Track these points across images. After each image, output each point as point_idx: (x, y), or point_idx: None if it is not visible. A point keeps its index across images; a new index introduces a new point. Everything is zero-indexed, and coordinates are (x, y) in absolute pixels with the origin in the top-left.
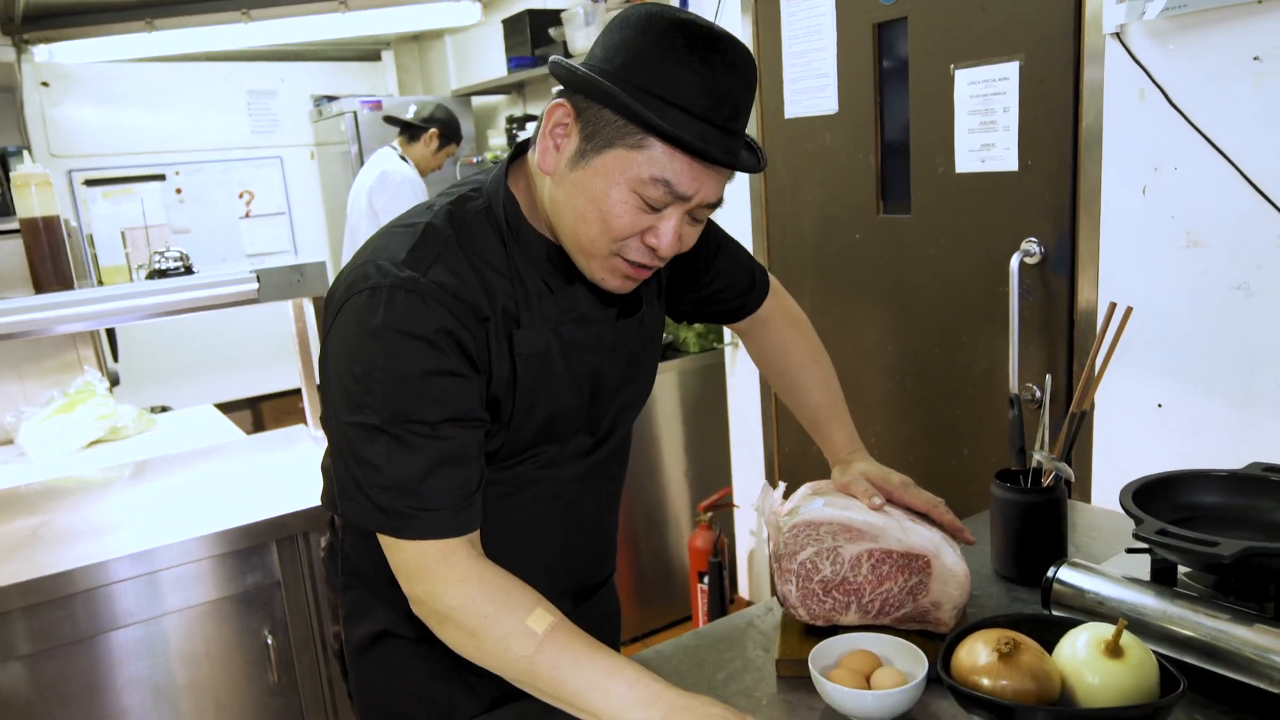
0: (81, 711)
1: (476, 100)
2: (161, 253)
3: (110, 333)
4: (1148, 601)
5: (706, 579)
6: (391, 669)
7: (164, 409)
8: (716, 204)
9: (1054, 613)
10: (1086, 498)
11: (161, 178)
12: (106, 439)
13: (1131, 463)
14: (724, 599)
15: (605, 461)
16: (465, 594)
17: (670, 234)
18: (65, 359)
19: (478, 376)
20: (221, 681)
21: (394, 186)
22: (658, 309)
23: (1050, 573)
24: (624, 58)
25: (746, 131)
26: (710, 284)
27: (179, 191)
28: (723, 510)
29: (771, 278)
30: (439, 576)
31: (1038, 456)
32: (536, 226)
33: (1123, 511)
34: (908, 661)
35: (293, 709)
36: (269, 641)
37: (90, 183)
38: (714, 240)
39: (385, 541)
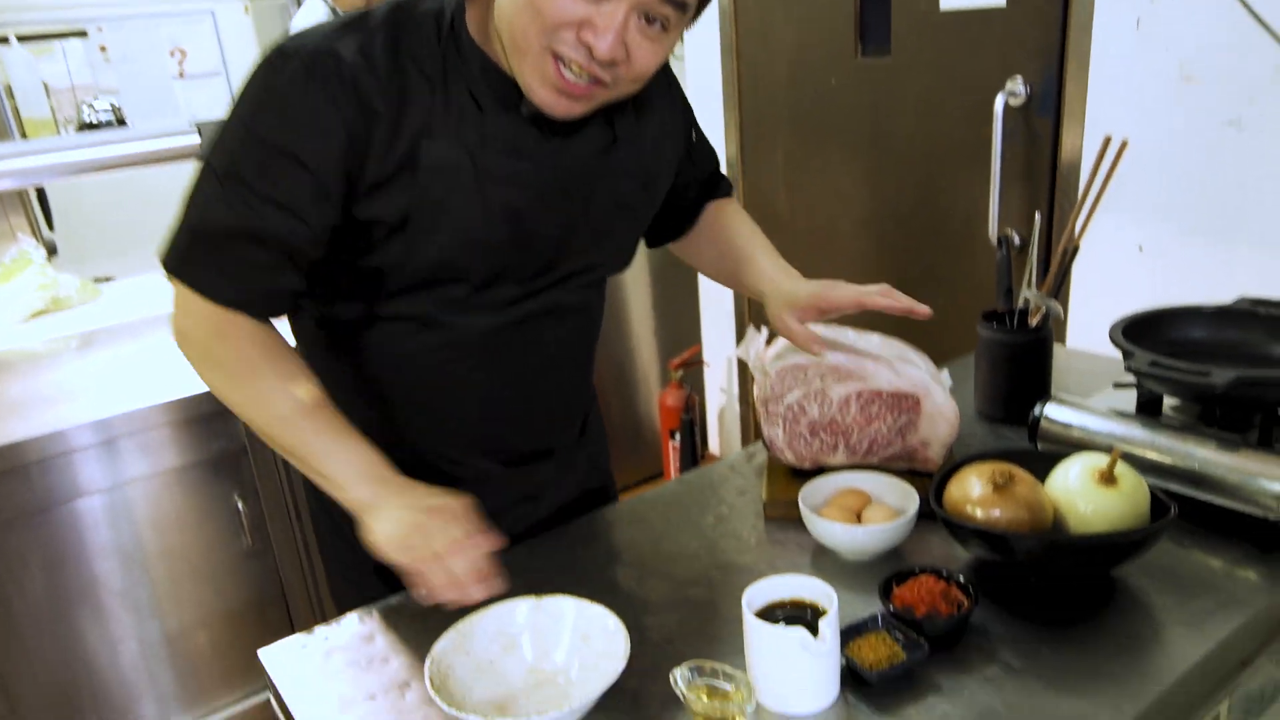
0: (55, 579)
1: None
2: (90, 104)
3: (42, 199)
4: (1135, 433)
5: (678, 436)
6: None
7: (107, 279)
8: (671, 3)
9: (1041, 448)
10: (1062, 340)
11: (83, 34)
12: (49, 310)
13: (1110, 306)
14: (695, 456)
15: (541, 322)
16: (240, 355)
17: (611, 33)
18: None
19: (333, 176)
20: (194, 548)
21: None
22: (634, 169)
23: (1037, 410)
24: None
25: None
26: (682, 174)
27: (104, 49)
28: (693, 368)
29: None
30: (212, 335)
31: (1026, 294)
32: (484, 48)
33: (1100, 354)
34: (898, 497)
35: (269, 571)
36: (240, 506)
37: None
38: (692, 129)
39: (175, 290)
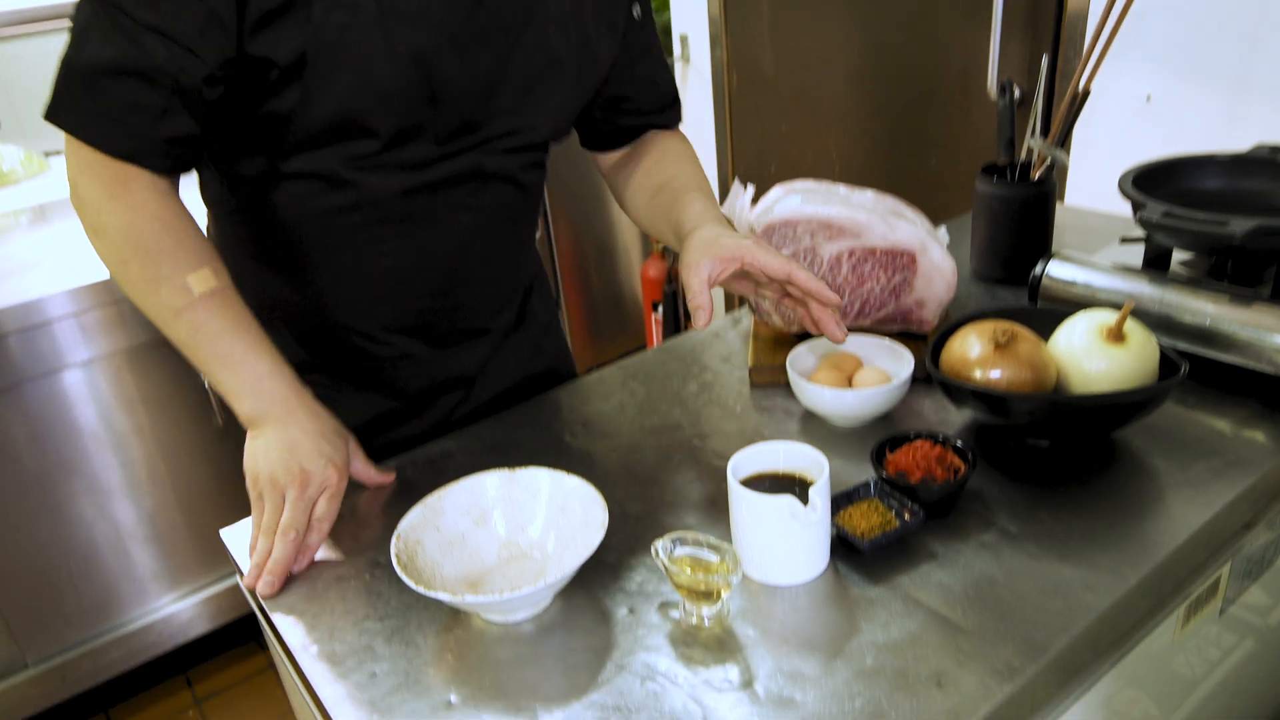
0: (28, 458)
1: None
2: None
3: None
4: (1143, 289)
5: (660, 308)
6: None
7: (56, 153)
8: None
9: (1042, 307)
10: (1061, 199)
11: None
12: None
13: (1114, 161)
14: (679, 328)
15: (462, 188)
16: (131, 223)
17: None
18: None
19: (222, 4)
20: (164, 428)
21: None
22: (568, 21)
23: (1039, 267)
24: None
25: None
26: (622, 85)
27: None
28: None
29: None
30: (104, 194)
31: (1030, 143)
32: None
33: (1103, 210)
34: (891, 360)
35: (239, 451)
36: (208, 385)
37: None
38: (645, 35)
39: (66, 142)
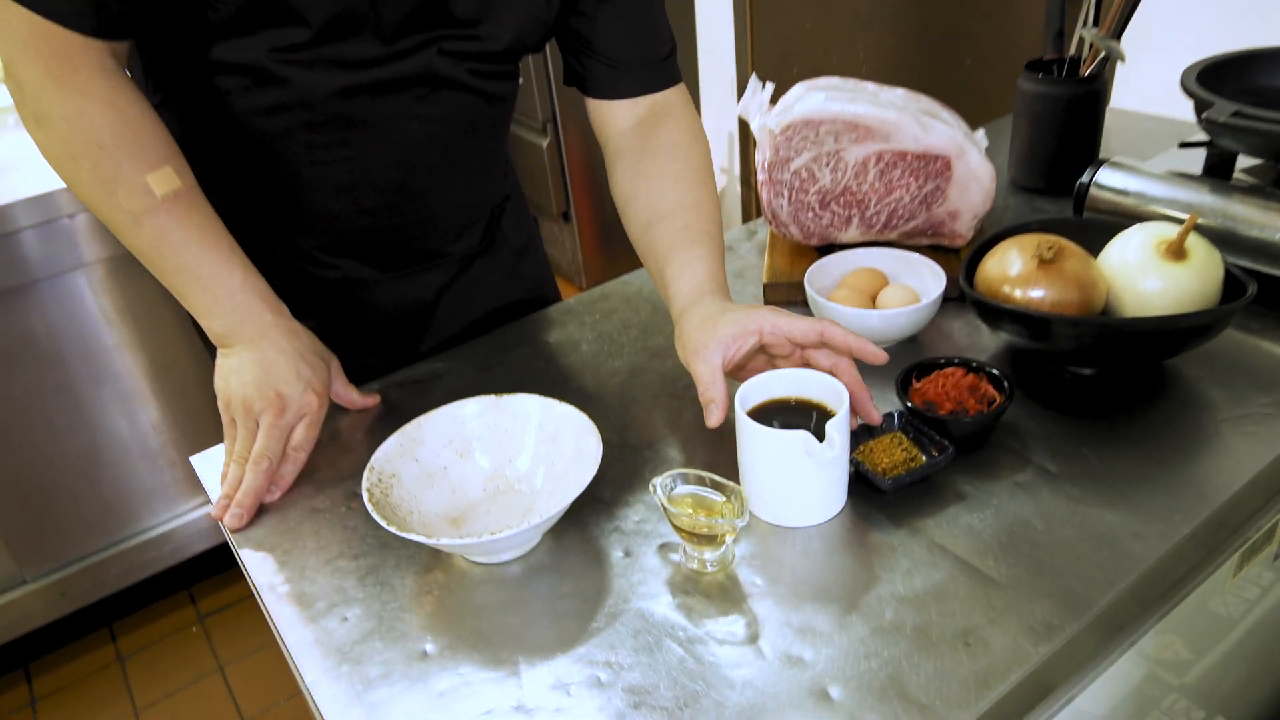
0: (16, 371)
1: None
2: None
3: None
4: (1204, 199)
5: None
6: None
7: None
8: None
9: (1088, 219)
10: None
11: None
12: None
13: (1169, 60)
14: None
15: (409, 93)
16: (80, 111)
17: None
18: None
19: None
20: (154, 343)
21: None
22: None
23: (1087, 175)
24: None
25: None
26: (585, 23)
27: None
28: None
29: (682, 88)
30: (53, 74)
31: (1083, 33)
32: None
33: (1157, 114)
34: (919, 276)
35: None
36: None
37: None
38: None
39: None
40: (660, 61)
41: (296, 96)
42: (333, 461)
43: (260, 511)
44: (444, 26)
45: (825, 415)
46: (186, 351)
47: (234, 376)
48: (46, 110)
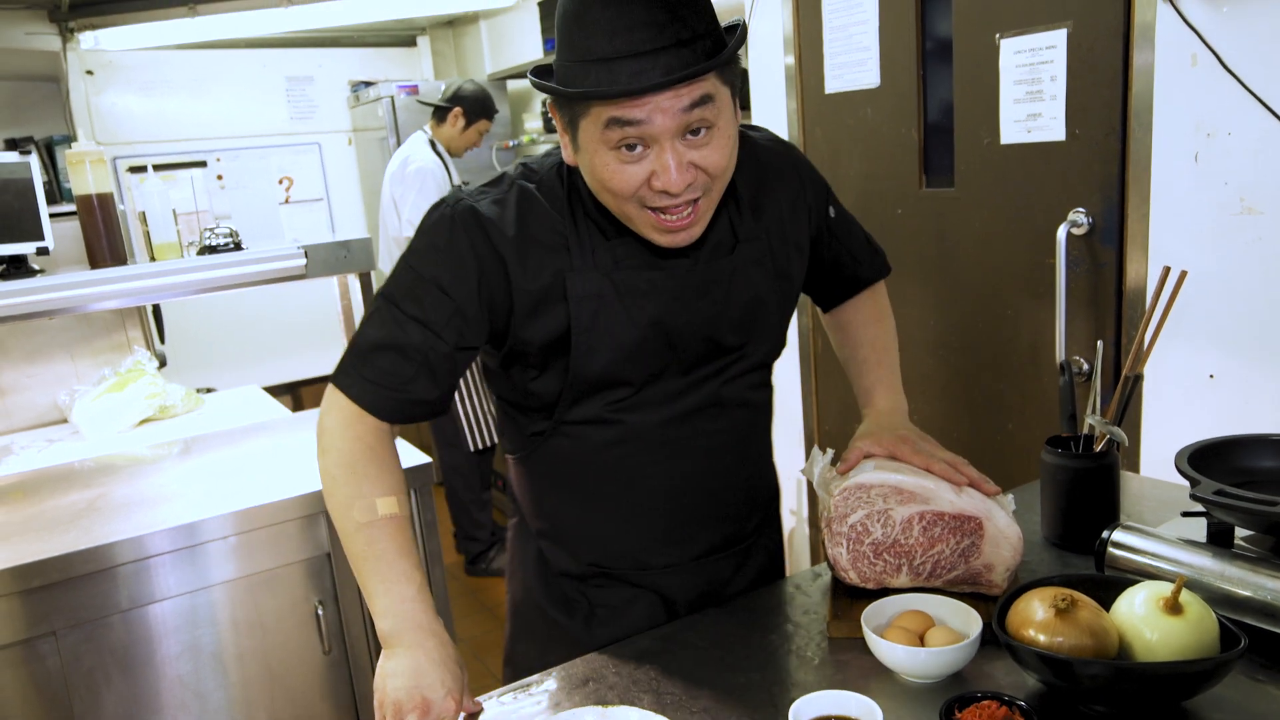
0: (136, 679)
1: (512, 84)
2: (212, 229)
3: (157, 315)
4: (1205, 562)
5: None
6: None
7: (209, 390)
8: (701, 108)
9: (1108, 575)
10: (1135, 469)
11: (203, 164)
12: (156, 418)
13: (1182, 433)
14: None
15: (704, 414)
16: (351, 449)
17: (673, 170)
18: (115, 340)
19: (470, 303)
20: (272, 651)
21: (410, 177)
22: (762, 260)
23: (1104, 535)
24: (558, 39)
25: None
26: (836, 254)
27: (220, 178)
28: None
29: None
30: (340, 425)
31: (1090, 421)
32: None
33: (1173, 482)
34: (961, 620)
35: (343, 679)
36: (319, 612)
37: (134, 169)
38: (843, 220)
39: (327, 394)
40: (871, 260)
41: (628, 432)
42: None
43: None
44: (722, 359)
45: None
46: (285, 669)
47: (390, 680)
48: (331, 444)
